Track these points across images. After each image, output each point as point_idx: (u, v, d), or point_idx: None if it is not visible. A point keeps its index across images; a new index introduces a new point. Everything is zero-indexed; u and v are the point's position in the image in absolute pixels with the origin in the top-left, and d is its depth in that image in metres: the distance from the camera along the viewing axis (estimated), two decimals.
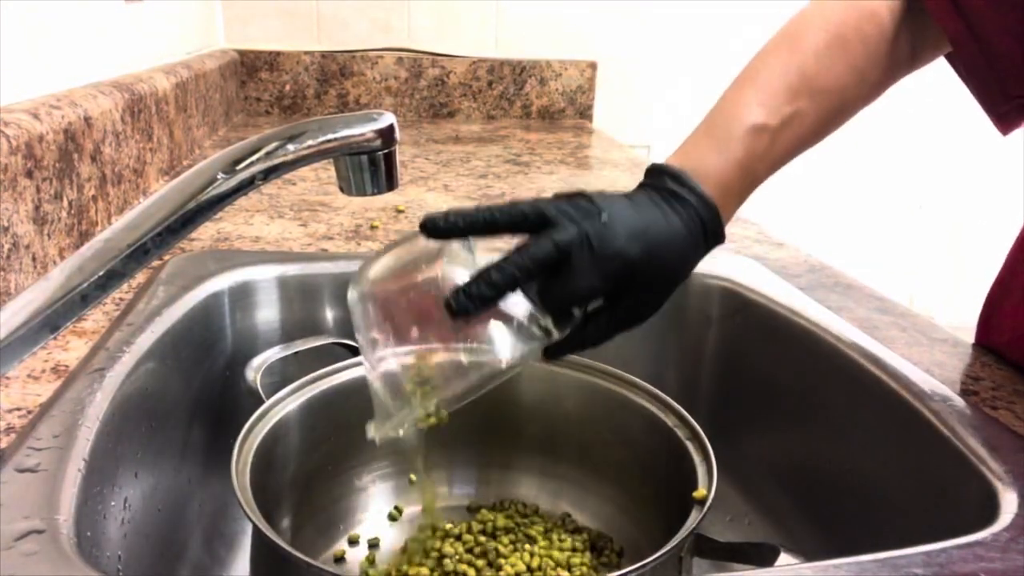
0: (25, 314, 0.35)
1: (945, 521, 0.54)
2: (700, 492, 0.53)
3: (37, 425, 0.49)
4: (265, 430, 0.59)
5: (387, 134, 0.39)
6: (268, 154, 0.36)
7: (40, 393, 0.54)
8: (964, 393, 0.59)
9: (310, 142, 0.37)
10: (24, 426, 0.50)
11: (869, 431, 0.63)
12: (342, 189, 0.40)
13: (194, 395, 0.70)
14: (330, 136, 0.38)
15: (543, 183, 1.25)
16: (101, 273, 0.35)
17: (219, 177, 0.35)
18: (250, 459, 0.55)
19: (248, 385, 0.66)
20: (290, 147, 0.37)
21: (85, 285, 0.35)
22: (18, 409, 0.52)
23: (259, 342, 0.77)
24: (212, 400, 0.73)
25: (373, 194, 0.40)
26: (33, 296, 0.35)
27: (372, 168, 0.39)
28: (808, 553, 0.68)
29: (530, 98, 1.84)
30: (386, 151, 0.39)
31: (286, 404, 0.62)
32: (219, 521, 0.74)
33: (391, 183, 0.40)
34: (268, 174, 0.36)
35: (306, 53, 1.74)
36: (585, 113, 1.87)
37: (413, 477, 0.71)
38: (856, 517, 0.64)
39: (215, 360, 0.74)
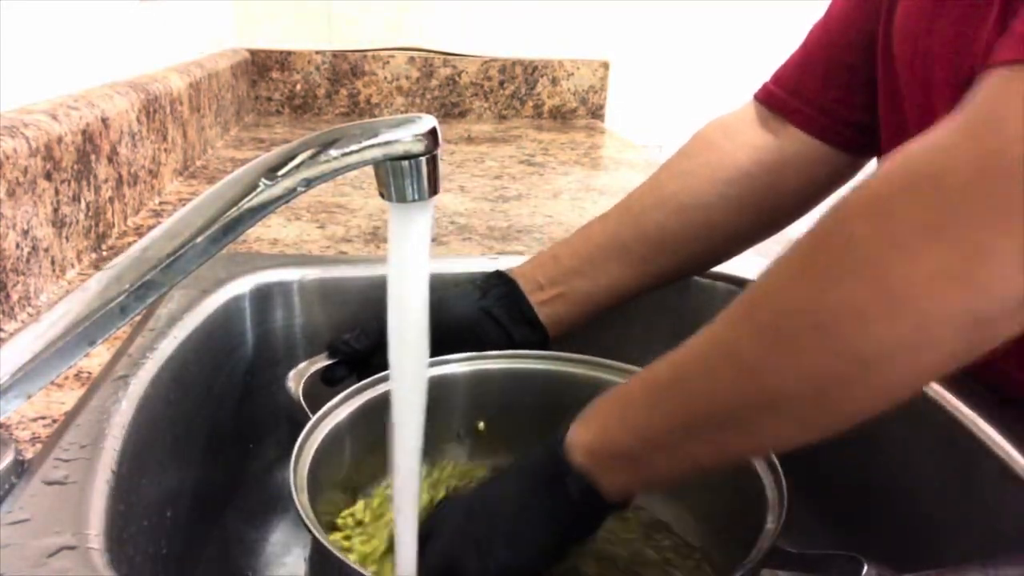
0: (63, 326, 0.34)
1: (1000, 543, 0.53)
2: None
3: (63, 435, 0.48)
4: (315, 446, 0.55)
5: (430, 137, 0.38)
6: (311, 159, 0.35)
7: (64, 401, 0.53)
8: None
9: (352, 147, 0.36)
10: (50, 436, 0.49)
11: (908, 444, 0.62)
12: (382, 195, 0.39)
13: (215, 401, 0.69)
14: (372, 140, 0.36)
15: (559, 184, 1.23)
16: (140, 284, 0.34)
17: (261, 184, 0.34)
18: (305, 476, 0.52)
19: (290, 396, 0.63)
20: (332, 152, 0.36)
21: (123, 297, 0.34)
22: (43, 418, 0.51)
23: (280, 347, 0.76)
24: (233, 406, 0.72)
25: (414, 201, 0.39)
26: (69, 307, 0.34)
27: (414, 174, 0.38)
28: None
29: (542, 98, 1.83)
30: (429, 155, 0.38)
31: (335, 416, 0.58)
32: (240, 528, 0.73)
33: (433, 189, 0.39)
34: (311, 180, 0.35)
35: (317, 52, 1.72)
36: (597, 113, 1.86)
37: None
38: (895, 538, 0.63)
39: (236, 365, 0.73)
